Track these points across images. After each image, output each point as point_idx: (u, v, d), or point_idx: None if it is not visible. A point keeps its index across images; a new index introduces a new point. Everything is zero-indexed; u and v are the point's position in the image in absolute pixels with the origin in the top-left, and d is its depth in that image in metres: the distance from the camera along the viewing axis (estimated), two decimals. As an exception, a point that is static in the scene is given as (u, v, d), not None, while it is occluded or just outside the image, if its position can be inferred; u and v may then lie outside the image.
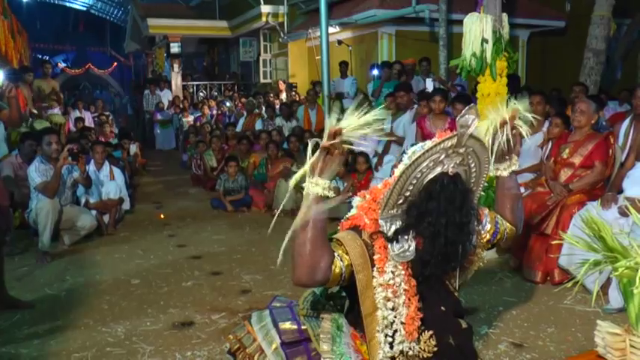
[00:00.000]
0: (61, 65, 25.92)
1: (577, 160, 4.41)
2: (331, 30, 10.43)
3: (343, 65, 10.35)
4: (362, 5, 10.66)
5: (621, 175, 4.21)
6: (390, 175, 1.86)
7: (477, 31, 4.78)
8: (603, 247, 1.46)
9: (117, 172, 6.62)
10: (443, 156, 1.71)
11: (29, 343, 3.38)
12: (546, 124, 5.26)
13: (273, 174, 7.17)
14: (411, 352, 1.79)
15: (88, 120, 11.41)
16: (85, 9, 29.29)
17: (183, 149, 11.51)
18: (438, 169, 1.72)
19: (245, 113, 10.89)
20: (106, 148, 6.96)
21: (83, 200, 5.94)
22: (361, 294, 1.76)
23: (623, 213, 3.77)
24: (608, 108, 7.28)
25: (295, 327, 1.95)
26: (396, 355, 1.79)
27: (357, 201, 1.87)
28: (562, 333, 3.36)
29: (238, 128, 10.16)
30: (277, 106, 10.79)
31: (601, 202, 4.03)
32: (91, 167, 6.27)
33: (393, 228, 1.72)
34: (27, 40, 12.48)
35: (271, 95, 12.36)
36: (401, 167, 1.72)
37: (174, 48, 16.15)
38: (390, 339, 1.77)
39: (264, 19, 14.02)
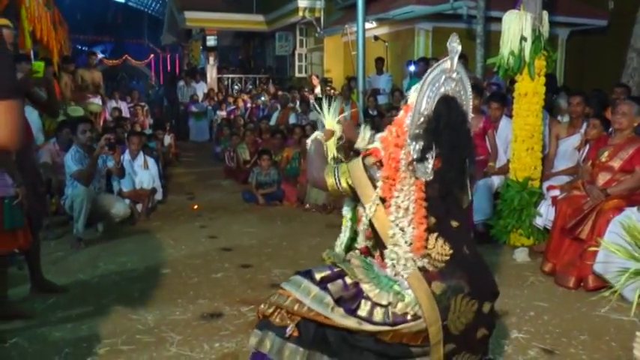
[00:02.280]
0: (99, 56, 26.41)
1: (616, 164, 4.29)
2: (368, 25, 10.37)
3: (379, 61, 10.29)
4: (399, 1, 10.58)
5: (663, 181, 4.08)
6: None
7: (516, 28, 4.70)
8: (644, 255, 1.41)
9: (151, 162, 6.72)
10: (443, 78, 2.00)
11: (63, 326, 3.46)
12: (584, 125, 5.14)
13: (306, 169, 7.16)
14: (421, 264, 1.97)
15: (124, 110, 11.60)
16: (123, 1, 29.81)
17: (217, 141, 11.61)
18: (442, 91, 2.00)
19: (279, 107, 10.92)
20: (142, 139, 7.06)
21: (117, 189, 6.05)
22: (369, 209, 2.05)
23: (664, 220, 3.65)
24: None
25: (329, 271, 2.06)
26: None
27: (380, 135, 2.14)
28: (595, 341, 3.27)
29: (272, 122, 10.19)
30: (311, 101, 10.79)
31: (640, 208, 3.91)
32: (126, 157, 6.37)
33: (418, 146, 1.95)
34: (67, 32, 12.73)
35: (305, 90, 12.37)
36: (414, 92, 2.01)
37: (211, 41, 16.30)
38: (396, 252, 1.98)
39: (300, 13, 14.05)
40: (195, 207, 6.83)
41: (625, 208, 4.03)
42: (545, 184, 5.01)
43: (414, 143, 1.95)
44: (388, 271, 2.00)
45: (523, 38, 4.63)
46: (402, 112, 2.07)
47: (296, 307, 1.97)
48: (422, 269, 1.96)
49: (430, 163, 1.95)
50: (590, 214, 4.16)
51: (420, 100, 1.98)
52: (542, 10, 4.79)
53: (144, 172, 6.50)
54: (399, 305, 1.90)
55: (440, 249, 1.97)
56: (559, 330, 3.42)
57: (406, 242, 1.96)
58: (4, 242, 3.34)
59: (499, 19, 5.00)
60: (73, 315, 3.65)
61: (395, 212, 1.97)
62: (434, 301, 1.90)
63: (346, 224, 2.41)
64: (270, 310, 2.04)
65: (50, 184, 5.77)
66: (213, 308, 3.75)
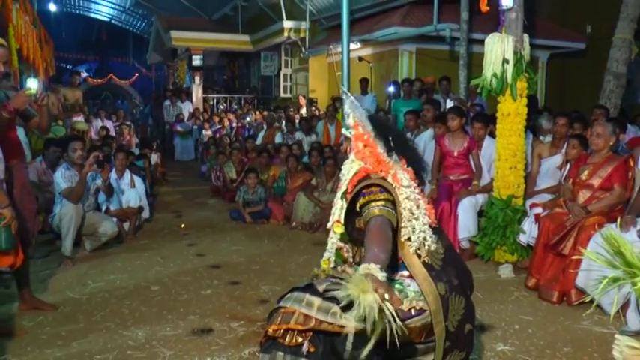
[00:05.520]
0: (84, 75, 26.38)
1: (596, 182, 4.43)
2: (352, 46, 10.53)
3: (364, 82, 10.44)
4: (383, 22, 10.80)
5: (641, 198, 4.22)
6: None
7: (499, 51, 4.85)
8: (622, 262, 1.50)
9: (138, 180, 6.74)
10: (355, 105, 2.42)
11: (52, 343, 3.47)
12: (565, 145, 5.28)
13: (293, 187, 7.24)
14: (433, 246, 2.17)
15: (111, 129, 11.62)
16: (107, 19, 29.84)
17: (202, 160, 11.64)
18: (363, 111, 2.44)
19: (265, 126, 11.02)
20: (128, 157, 7.08)
21: (104, 207, 6.05)
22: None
23: (643, 235, 3.78)
24: (628, 131, 7.26)
25: (329, 282, 2.07)
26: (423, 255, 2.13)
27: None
28: (578, 353, 3.36)
29: (258, 141, 10.27)
30: (297, 121, 10.90)
31: (619, 225, 4.02)
32: (113, 175, 6.38)
33: (381, 145, 2.30)
34: (53, 50, 12.77)
35: (291, 109, 12.50)
36: (351, 114, 2.42)
37: (196, 60, 16.42)
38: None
39: (285, 34, 14.23)
40: (183, 226, 6.85)
41: (605, 225, 4.15)
42: (528, 202, 5.13)
43: (378, 143, 2.30)
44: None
45: (505, 60, 4.78)
46: (353, 131, 2.41)
47: (306, 322, 1.96)
48: (427, 265, 2.07)
49: (395, 155, 2.28)
50: (572, 231, 4.27)
51: (358, 118, 2.39)
52: (523, 33, 4.96)
53: (131, 191, 6.52)
54: (405, 302, 1.98)
55: (435, 245, 2.15)
56: (543, 342, 3.50)
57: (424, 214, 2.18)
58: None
59: (481, 42, 5.16)
60: (63, 332, 3.65)
61: (405, 190, 2.18)
62: (440, 302, 2.02)
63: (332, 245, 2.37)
64: (280, 332, 2.00)
65: (37, 202, 5.76)
66: (203, 324, 3.78)
